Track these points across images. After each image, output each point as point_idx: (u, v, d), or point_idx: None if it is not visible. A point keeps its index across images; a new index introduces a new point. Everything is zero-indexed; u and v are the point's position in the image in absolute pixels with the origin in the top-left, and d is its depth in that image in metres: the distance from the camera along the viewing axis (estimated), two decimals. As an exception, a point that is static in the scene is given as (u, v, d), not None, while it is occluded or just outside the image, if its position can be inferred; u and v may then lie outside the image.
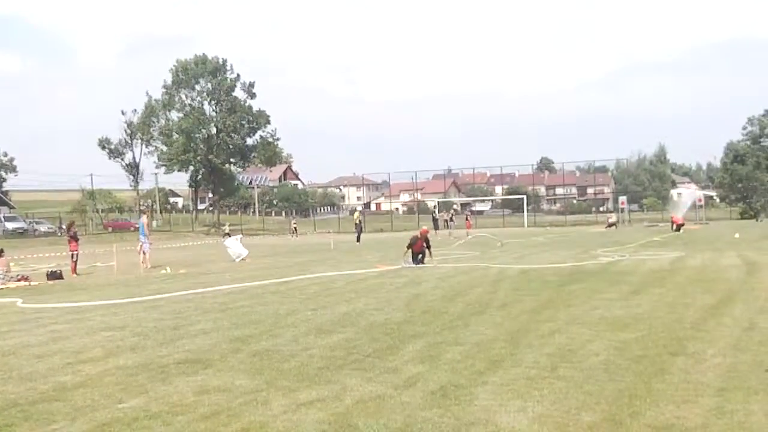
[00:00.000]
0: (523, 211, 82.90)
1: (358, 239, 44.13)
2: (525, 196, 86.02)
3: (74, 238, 26.20)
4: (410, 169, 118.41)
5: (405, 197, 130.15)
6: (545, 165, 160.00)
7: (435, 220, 51.52)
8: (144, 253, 25.75)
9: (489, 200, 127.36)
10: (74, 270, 25.06)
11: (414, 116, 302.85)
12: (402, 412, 6.09)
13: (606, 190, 74.94)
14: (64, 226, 76.58)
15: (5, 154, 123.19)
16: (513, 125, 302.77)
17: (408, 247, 22.82)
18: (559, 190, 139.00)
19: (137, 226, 27.28)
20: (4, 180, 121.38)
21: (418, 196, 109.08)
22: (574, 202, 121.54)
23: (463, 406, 6.25)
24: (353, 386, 7.02)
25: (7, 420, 6.29)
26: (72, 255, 25.63)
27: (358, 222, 47.38)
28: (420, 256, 22.59)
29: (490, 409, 6.14)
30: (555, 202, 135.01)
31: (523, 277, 17.30)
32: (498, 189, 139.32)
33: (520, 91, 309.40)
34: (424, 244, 22.79)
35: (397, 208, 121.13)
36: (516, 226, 71.53)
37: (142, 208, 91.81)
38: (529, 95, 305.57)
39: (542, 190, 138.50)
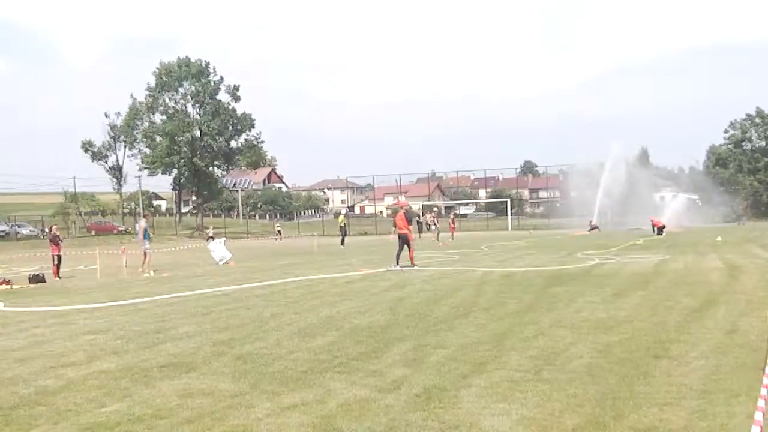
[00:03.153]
0: (506, 214, 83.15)
1: (343, 242, 44.09)
2: (509, 200, 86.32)
3: (54, 242, 26.04)
4: (394, 172, 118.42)
5: (389, 200, 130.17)
6: (529, 168, 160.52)
7: (419, 223, 51.22)
8: (145, 255, 25.42)
9: (473, 203, 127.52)
10: (56, 273, 24.92)
11: (398, 119, 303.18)
12: (386, 416, 6.09)
13: (589, 193, 75.43)
14: (46, 230, 76.25)
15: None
16: (496, 129, 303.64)
17: (393, 225, 23.39)
18: (543, 194, 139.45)
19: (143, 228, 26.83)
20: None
21: (402, 199, 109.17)
22: (558, 205, 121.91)
23: (447, 409, 6.25)
24: (337, 389, 7.01)
25: (-16, 426, 6.25)
26: (53, 258, 25.49)
27: (342, 225, 47.34)
28: (405, 244, 22.72)
29: (474, 412, 6.15)
30: (538, 206, 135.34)
31: (507, 280, 17.34)
32: (482, 192, 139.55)
33: (502, 95, 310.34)
34: (408, 221, 23.03)
35: (381, 211, 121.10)
36: (500, 230, 71.69)
37: (144, 213, 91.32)
38: (512, 99, 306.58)
39: (526, 194, 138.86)
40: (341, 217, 50.52)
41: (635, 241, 35.97)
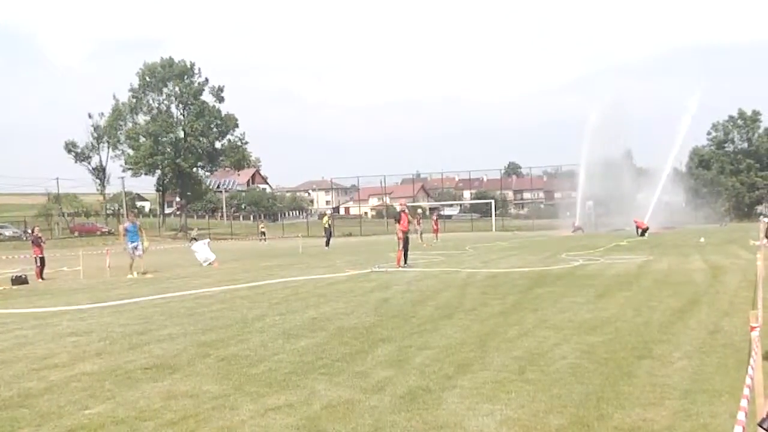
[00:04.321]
0: (491, 216, 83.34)
1: (328, 243, 44.03)
2: (493, 201, 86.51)
3: (36, 243, 25.91)
4: (379, 173, 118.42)
5: (374, 201, 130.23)
6: (513, 170, 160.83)
7: (327, 229, 49.78)
8: (139, 256, 25.12)
9: (457, 204, 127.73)
10: (39, 275, 24.79)
11: (382, 120, 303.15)
12: (371, 417, 6.10)
13: (573, 194, 75.59)
14: (29, 231, 75.85)
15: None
16: (480, 130, 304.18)
17: (397, 222, 24.00)
18: (527, 195, 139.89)
19: (124, 228, 26.38)
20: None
21: (387, 200, 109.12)
22: (542, 206, 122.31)
23: (432, 410, 6.26)
24: (322, 391, 7.01)
25: (-29, 427, 6.21)
26: (36, 260, 25.36)
27: (327, 226, 47.24)
28: (407, 240, 23.02)
29: (458, 412, 6.16)
30: (523, 207, 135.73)
31: (491, 281, 17.38)
32: (466, 193, 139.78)
33: (485, 96, 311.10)
34: (409, 219, 23.50)
35: (366, 213, 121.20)
36: (484, 231, 71.83)
37: (134, 211, 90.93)
38: (495, 100, 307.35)
39: (510, 195, 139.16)
40: (326, 218, 50.35)
41: (619, 242, 36.10)
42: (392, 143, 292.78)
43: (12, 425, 6.26)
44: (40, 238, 26.38)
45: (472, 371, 7.67)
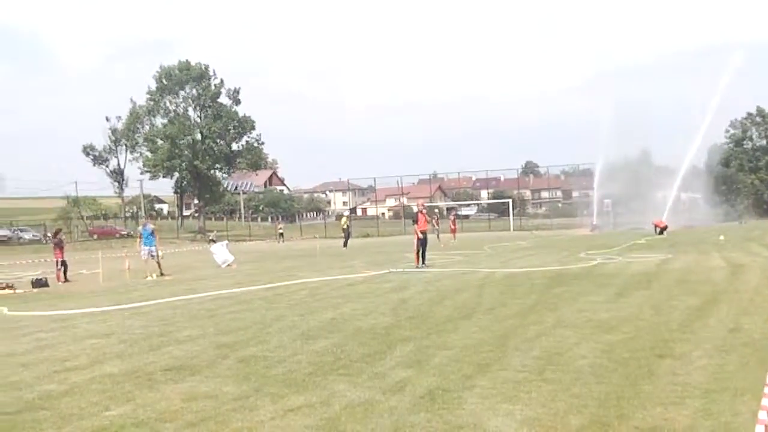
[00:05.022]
0: (508, 215, 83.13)
1: (345, 244, 44.07)
2: (510, 200, 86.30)
3: (59, 246, 26.11)
4: (396, 173, 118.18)
5: (391, 202, 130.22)
6: (530, 169, 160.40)
7: (345, 230, 49.46)
8: (153, 257, 25.23)
9: (475, 204, 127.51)
10: (60, 278, 24.97)
11: (398, 121, 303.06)
12: (390, 417, 6.09)
13: (591, 193, 75.25)
14: (49, 234, 76.34)
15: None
16: (497, 129, 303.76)
17: (414, 222, 24.16)
18: (544, 194, 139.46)
19: (139, 232, 26.50)
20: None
21: (404, 200, 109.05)
22: (559, 205, 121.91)
23: (451, 410, 6.25)
24: (341, 392, 7.02)
25: (-8, 429, 6.26)
26: (57, 263, 25.54)
27: (345, 227, 47.28)
28: (425, 240, 23.24)
29: (478, 413, 6.15)
30: (540, 206, 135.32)
31: (510, 281, 17.33)
32: (483, 193, 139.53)
33: (502, 95, 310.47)
34: (427, 219, 23.61)
35: (383, 213, 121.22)
36: (502, 230, 71.63)
37: (148, 214, 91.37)
38: (512, 99, 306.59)
39: (527, 194, 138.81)
40: (344, 219, 50.41)
41: (637, 240, 35.93)
42: (409, 144, 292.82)
43: (34, 427, 6.30)
44: (63, 241, 26.56)
45: (492, 371, 7.66)
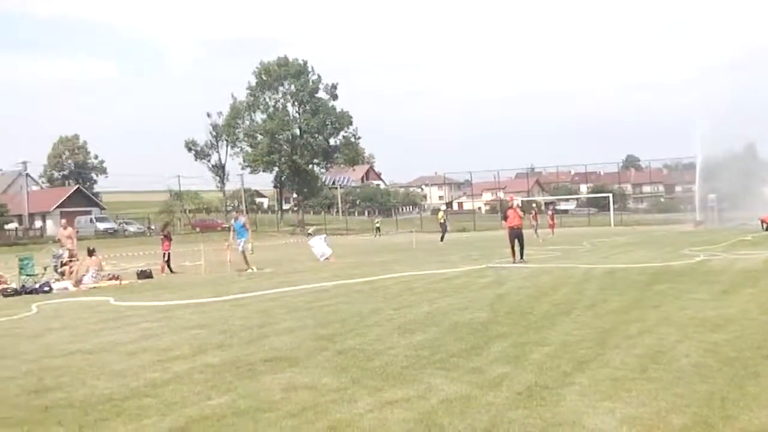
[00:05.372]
0: (608, 210, 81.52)
1: (443, 238, 43.99)
2: (611, 195, 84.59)
3: (168, 238, 26.91)
4: (492, 167, 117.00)
5: (487, 196, 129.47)
6: (631, 162, 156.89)
7: (442, 224, 48.70)
8: (242, 252, 25.72)
9: (574, 199, 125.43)
10: (165, 269, 25.71)
11: (496, 114, 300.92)
12: (487, 413, 6.05)
13: (694, 188, 72.91)
14: (153, 227, 78.82)
15: (96, 157, 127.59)
16: (596, 122, 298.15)
17: (504, 218, 24.12)
18: (646, 188, 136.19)
19: (231, 226, 26.99)
20: (95, 182, 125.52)
21: (501, 195, 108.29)
22: (662, 200, 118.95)
23: (550, 407, 6.17)
24: (438, 386, 7.00)
25: (101, 415, 6.47)
26: (164, 255, 26.29)
27: (443, 221, 47.19)
28: (519, 236, 23.12)
29: (577, 410, 6.05)
30: (642, 201, 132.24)
31: (610, 277, 17.00)
32: (583, 187, 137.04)
33: (601, 88, 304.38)
34: (520, 214, 23.36)
35: (479, 207, 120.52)
36: (602, 225, 70.34)
37: (239, 208, 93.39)
38: (610, 93, 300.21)
39: (628, 189, 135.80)
40: (441, 213, 50.32)
41: (743, 237, 34.72)
42: (506, 137, 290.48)
43: (139, 414, 6.49)
44: (170, 233, 27.36)
45: (591, 368, 7.52)
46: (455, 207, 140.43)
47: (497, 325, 10.47)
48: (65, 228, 25.82)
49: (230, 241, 26.22)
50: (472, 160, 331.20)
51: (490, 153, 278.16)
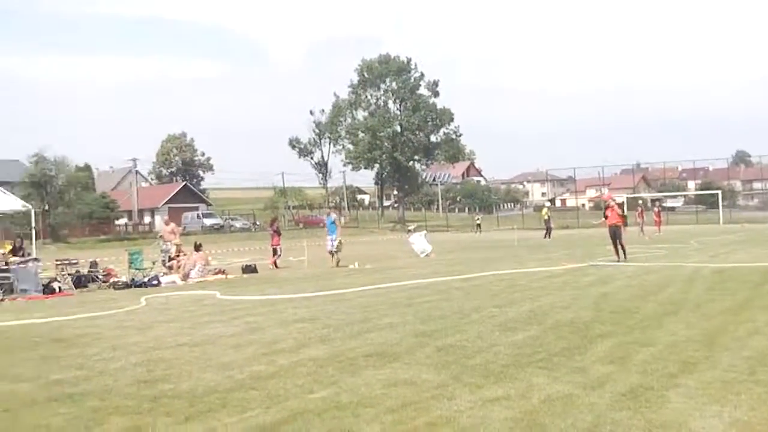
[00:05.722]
0: (717, 207, 78.99)
1: (548, 235, 43.43)
2: (719, 192, 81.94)
3: (277, 233, 27.45)
4: (596, 163, 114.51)
5: (591, 193, 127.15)
6: (741, 158, 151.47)
7: (547, 221, 47.76)
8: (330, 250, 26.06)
9: (681, 196, 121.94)
10: (275, 263, 26.23)
11: (600, 109, 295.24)
12: (590, 413, 5.97)
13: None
14: (258, 222, 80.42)
15: (203, 154, 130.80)
16: (704, 117, 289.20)
17: (604, 216, 23.56)
18: (757, 185, 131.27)
19: (325, 222, 27.51)
20: (202, 178, 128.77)
21: (605, 191, 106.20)
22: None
23: (654, 408, 6.03)
24: (540, 385, 6.94)
25: (207, 406, 6.64)
26: (275, 249, 26.81)
27: (547, 218, 46.61)
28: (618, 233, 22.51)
29: (682, 412, 5.90)
30: (752, 198, 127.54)
31: (719, 277, 16.48)
32: (690, 184, 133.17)
33: (709, 83, 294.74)
34: (619, 212, 22.75)
35: (583, 204, 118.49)
36: (710, 223, 68.19)
37: (330, 205, 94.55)
38: (718, 87, 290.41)
39: (738, 185, 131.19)
40: (545, 210, 49.67)
41: None
42: (610, 132, 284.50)
43: (243, 405, 6.63)
44: (279, 228, 27.92)
45: (699, 370, 7.32)
46: (558, 204, 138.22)
47: (601, 325, 10.30)
48: (167, 224, 26.99)
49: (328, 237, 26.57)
50: (575, 155, 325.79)
51: (593, 149, 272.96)
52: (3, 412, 6.69)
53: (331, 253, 25.58)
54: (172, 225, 26.45)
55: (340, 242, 25.96)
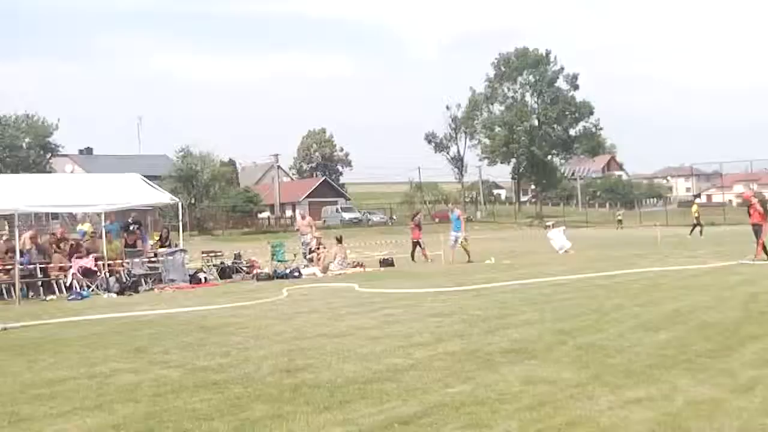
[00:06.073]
0: None
1: (699, 233, 41.90)
2: None
3: (418, 227, 27.63)
4: (744, 158, 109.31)
5: (739, 188, 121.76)
6: None
7: (698, 218, 45.37)
8: (456, 242, 25.94)
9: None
10: (425, 254, 26.43)
11: (749, 103, 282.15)
12: (738, 418, 5.72)
13: None
14: (395, 217, 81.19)
15: (341, 149, 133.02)
16: None
17: (749, 215, 22.15)
18: None
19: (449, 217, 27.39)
20: (341, 173, 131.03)
21: (755, 187, 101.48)
22: None
23: (810, 415, 5.74)
24: (684, 387, 6.70)
25: (345, 396, 6.76)
26: (417, 243, 26.97)
27: (697, 215, 44.95)
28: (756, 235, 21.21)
29: (841, 421, 5.59)
30: None
31: None
32: None
33: None
34: (761, 211, 21.36)
35: (730, 200, 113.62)
36: None
37: (455, 200, 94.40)
38: None
39: None
40: (695, 207, 47.88)
41: None
42: (761, 126, 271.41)
43: (381, 397, 6.72)
44: (421, 222, 28.08)
45: None
46: (703, 199, 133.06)
47: (750, 326, 9.86)
48: (303, 217, 28.23)
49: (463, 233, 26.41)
50: (721, 150, 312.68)
51: (741, 143, 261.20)
52: (154, 397, 7.02)
53: (452, 248, 25.48)
54: (308, 218, 27.27)
55: (465, 239, 25.81)
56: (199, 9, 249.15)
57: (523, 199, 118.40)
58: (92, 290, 18.76)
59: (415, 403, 6.48)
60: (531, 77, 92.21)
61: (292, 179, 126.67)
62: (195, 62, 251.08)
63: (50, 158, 76.91)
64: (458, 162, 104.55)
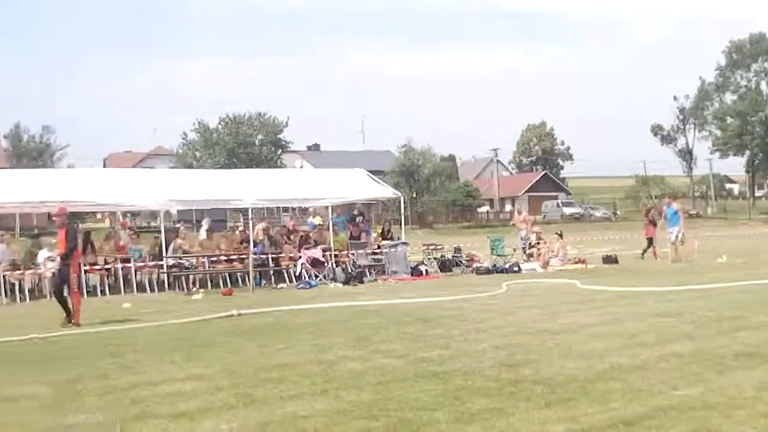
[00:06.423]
0: None
1: None
2: None
3: (653, 223, 26.62)
4: None
5: None
6: None
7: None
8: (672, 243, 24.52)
9: None
10: (654, 253, 25.66)
11: None
12: None
13: None
14: (618, 212, 78.95)
15: (562, 143, 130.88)
16: None
17: None
18: None
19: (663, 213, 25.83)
20: (561, 167, 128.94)
21: None
22: None
23: None
24: None
25: (567, 394, 6.65)
26: (650, 240, 26.09)
27: None
28: None
29: None
30: None
31: None
32: None
33: None
34: None
35: None
36: None
37: (671, 193, 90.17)
38: None
39: None
40: None
41: None
42: None
43: (604, 396, 6.55)
44: (654, 218, 26.95)
45: None
46: None
47: None
48: (519, 213, 28.15)
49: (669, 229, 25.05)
50: None
51: None
52: (377, 385, 7.24)
53: (674, 245, 24.16)
54: (524, 214, 27.24)
55: (683, 234, 24.42)
56: (415, 6, 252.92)
57: (758, 193, 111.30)
58: (320, 280, 19.79)
59: (640, 404, 6.28)
60: (767, 64, 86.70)
61: (511, 173, 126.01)
62: (406, 58, 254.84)
63: (281, 154, 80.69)
64: (686, 155, 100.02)
